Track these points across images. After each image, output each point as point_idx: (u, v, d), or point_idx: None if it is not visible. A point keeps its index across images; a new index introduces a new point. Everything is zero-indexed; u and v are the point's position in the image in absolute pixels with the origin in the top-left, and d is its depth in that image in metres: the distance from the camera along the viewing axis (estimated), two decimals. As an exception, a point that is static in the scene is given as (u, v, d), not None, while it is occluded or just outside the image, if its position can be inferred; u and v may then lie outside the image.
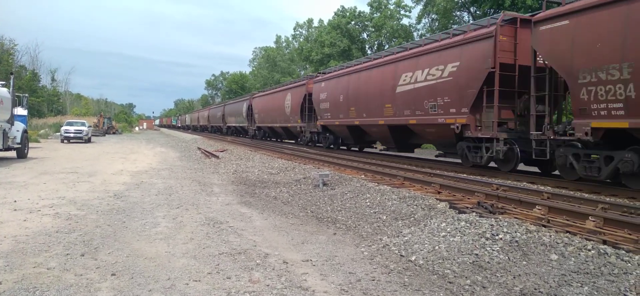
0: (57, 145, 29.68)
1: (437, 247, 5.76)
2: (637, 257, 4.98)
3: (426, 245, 5.87)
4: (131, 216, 7.66)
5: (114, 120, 75.75)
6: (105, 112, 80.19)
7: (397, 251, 5.82)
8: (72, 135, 32.91)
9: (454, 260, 5.32)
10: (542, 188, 9.94)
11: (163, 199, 9.35)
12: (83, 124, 35.52)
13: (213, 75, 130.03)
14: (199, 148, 27.49)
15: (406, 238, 6.27)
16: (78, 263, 5.08)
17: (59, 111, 71.22)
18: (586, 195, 9.02)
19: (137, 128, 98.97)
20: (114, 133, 58.29)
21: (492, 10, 33.54)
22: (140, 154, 22.82)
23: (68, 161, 17.71)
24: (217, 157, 20.57)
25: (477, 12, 36.03)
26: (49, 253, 5.43)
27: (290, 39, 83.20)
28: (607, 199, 8.47)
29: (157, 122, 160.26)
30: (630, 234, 5.73)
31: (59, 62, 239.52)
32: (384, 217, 7.71)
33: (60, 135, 33.65)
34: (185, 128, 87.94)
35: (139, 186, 11.29)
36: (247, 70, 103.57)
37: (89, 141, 34.35)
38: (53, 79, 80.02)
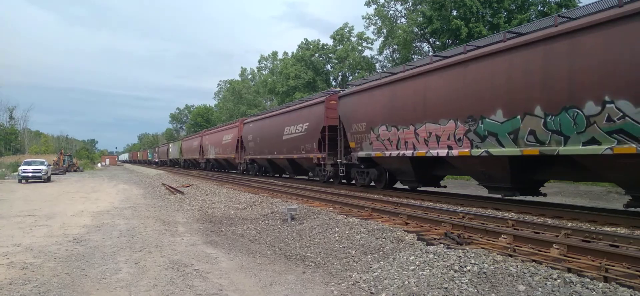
0: (15, 186, 28.48)
1: (406, 282, 5.72)
2: (601, 284, 5.06)
3: (396, 280, 5.83)
4: (91, 262, 7.35)
5: (75, 157, 73.57)
6: (66, 150, 77.86)
7: (367, 288, 5.75)
8: (30, 175, 31.71)
9: (423, 295, 5.29)
10: (507, 214, 10.11)
11: (125, 242, 9.03)
12: (42, 163, 34.32)
13: (177, 108, 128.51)
14: (164, 184, 26.90)
15: (376, 273, 6.22)
16: (32, 318, 4.80)
17: (18, 150, 68.82)
18: (549, 221, 9.20)
19: (99, 165, 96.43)
20: (75, 171, 56.57)
21: (449, 41, 34.58)
22: (102, 193, 22.14)
23: (25, 203, 17.00)
24: (182, 193, 20.16)
25: (437, 43, 36.96)
26: (1, 308, 5.13)
27: (255, 71, 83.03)
28: (569, 224, 8.68)
29: (126, 156, 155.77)
30: (593, 261, 5.84)
31: (17, 99, 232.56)
32: (353, 252, 7.65)
33: (18, 175, 32.37)
34: (162, 164, 75.54)
35: (100, 228, 10.90)
36: (212, 102, 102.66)
37: (48, 180, 33.19)
38: (11, 117, 77.60)
